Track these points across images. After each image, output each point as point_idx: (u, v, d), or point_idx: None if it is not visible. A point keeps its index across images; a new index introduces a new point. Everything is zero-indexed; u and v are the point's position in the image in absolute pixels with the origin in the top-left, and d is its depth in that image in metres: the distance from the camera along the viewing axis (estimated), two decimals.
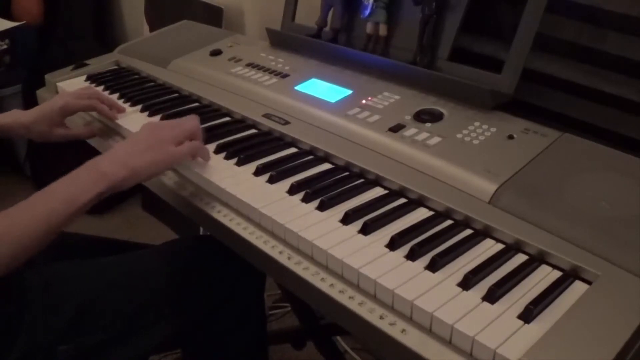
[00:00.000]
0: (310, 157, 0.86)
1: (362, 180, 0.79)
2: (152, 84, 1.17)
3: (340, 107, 0.92)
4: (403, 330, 0.56)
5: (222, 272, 0.94)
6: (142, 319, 0.84)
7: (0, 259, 0.65)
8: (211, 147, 0.88)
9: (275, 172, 0.80)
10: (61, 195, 0.70)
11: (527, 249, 0.64)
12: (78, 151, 1.09)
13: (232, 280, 0.95)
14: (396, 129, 0.84)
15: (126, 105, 1.06)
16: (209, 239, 0.95)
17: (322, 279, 0.64)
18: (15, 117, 0.96)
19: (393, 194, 0.76)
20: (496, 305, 0.56)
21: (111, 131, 1.02)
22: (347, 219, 0.70)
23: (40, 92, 1.24)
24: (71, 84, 1.19)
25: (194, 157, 0.83)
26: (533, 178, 0.72)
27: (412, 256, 0.63)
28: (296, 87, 1.00)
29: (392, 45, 1.03)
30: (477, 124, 0.83)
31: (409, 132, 0.83)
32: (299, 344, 1.44)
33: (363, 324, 0.59)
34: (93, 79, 1.20)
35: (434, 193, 0.73)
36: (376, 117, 0.88)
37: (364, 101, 0.93)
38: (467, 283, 0.59)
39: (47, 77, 1.23)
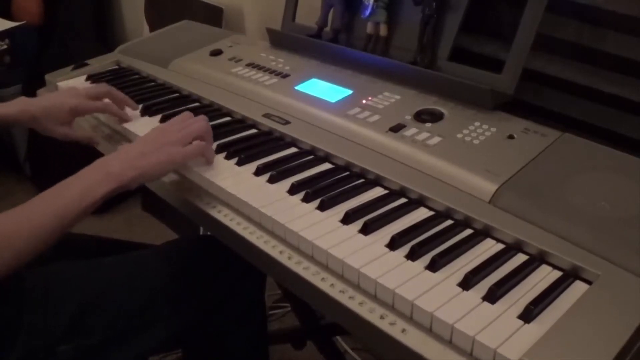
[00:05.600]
0: (311, 157, 0.86)
1: (362, 180, 0.79)
2: (153, 83, 1.17)
3: (341, 107, 0.92)
4: (403, 330, 0.56)
5: (223, 272, 0.94)
6: (142, 319, 0.84)
7: (14, 256, 0.66)
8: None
9: (275, 172, 0.80)
10: (71, 192, 0.71)
11: (527, 249, 0.64)
12: (79, 151, 1.09)
13: (232, 280, 0.95)
14: (396, 128, 0.84)
15: None
16: (209, 239, 0.95)
17: (323, 279, 0.64)
18: (24, 106, 0.93)
19: (393, 194, 0.76)
20: (496, 305, 0.56)
21: (116, 134, 1.01)
22: (347, 219, 0.70)
23: (41, 92, 1.23)
24: (71, 84, 1.19)
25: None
26: (533, 178, 0.72)
27: (412, 256, 0.63)
28: (296, 87, 1.00)
29: (393, 45, 1.04)
30: (477, 124, 0.83)
31: (409, 132, 0.83)
32: (299, 344, 1.44)
33: (363, 323, 0.59)
34: (93, 79, 1.20)
35: (434, 193, 0.73)
36: (376, 117, 0.88)
37: (364, 101, 0.93)
38: (467, 283, 0.59)
39: (47, 77, 1.23)
